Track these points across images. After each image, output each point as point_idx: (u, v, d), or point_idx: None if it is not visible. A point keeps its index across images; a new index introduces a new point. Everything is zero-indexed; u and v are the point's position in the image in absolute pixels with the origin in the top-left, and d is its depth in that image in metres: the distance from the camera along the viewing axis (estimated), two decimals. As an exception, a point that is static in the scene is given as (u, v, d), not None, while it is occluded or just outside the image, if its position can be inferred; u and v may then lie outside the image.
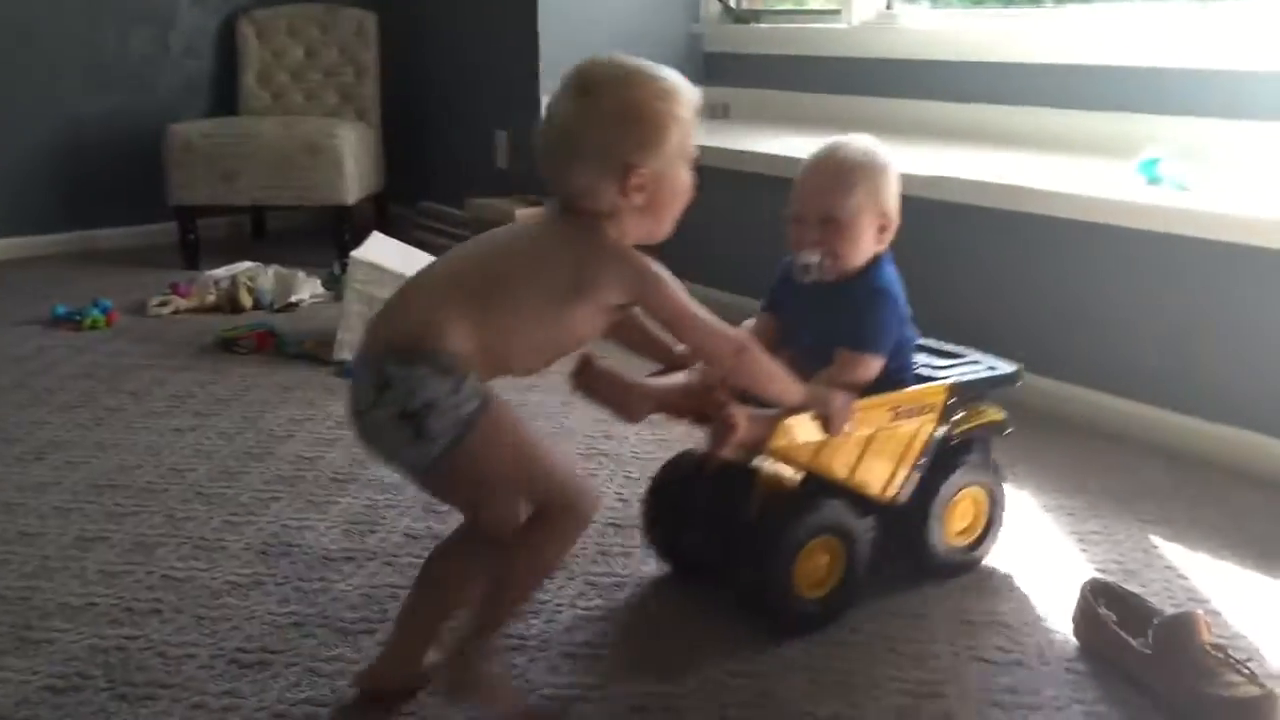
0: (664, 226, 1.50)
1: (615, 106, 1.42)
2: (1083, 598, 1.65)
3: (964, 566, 1.86)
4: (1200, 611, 1.55)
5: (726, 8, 4.11)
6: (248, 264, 3.69)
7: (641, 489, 2.16)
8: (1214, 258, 2.26)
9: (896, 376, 1.75)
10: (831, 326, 1.72)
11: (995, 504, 1.88)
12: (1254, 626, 1.69)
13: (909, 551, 1.82)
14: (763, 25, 4.02)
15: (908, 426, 1.73)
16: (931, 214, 2.56)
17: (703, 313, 1.47)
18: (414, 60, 4.65)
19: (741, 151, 3.31)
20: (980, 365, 1.86)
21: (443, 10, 4.45)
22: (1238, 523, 2.03)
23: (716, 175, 3.38)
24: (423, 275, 1.48)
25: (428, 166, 4.71)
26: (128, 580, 1.86)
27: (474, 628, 1.44)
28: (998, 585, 1.82)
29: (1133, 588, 1.72)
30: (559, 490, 1.43)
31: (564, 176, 1.43)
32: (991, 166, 2.75)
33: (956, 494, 1.82)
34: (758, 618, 1.70)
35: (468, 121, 4.40)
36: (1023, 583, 1.83)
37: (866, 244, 1.74)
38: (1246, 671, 1.49)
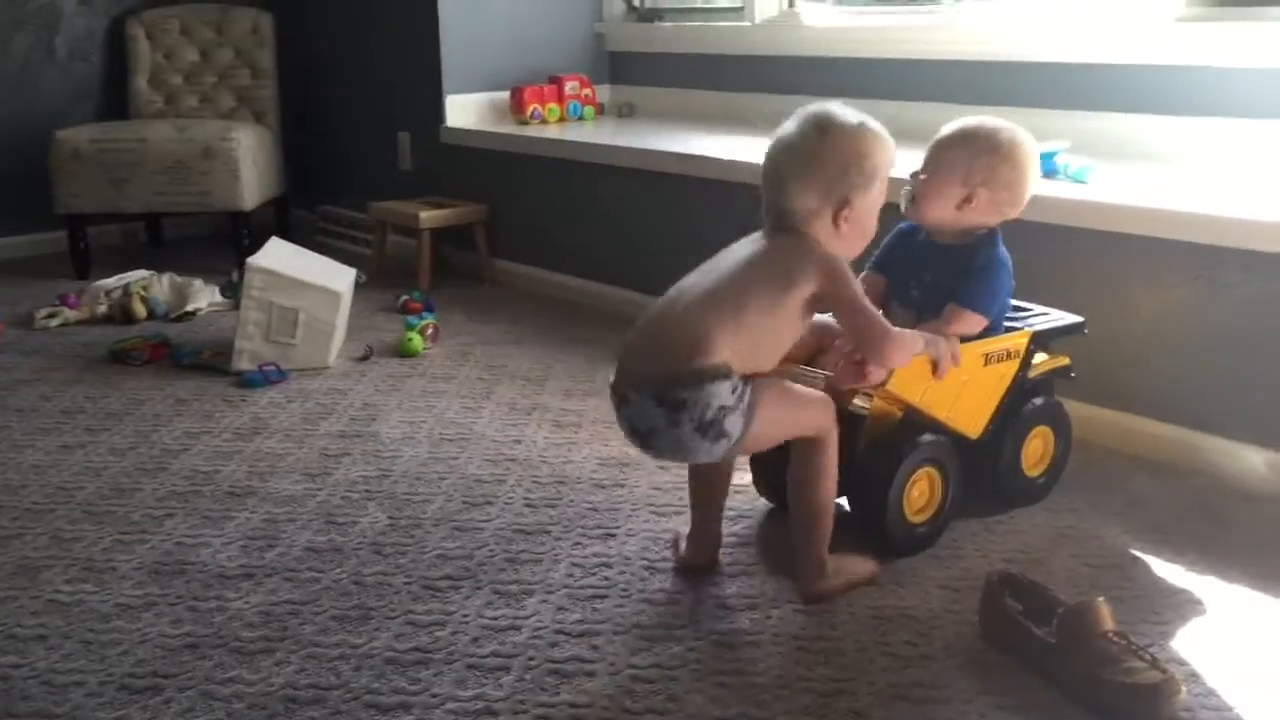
0: (854, 252, 1.78)
1: (848, 151, 1.71)
2: (988, 588, 1.66)
3: (1038, 495, 2.09)
4: (1102, 599, 1.57)
5: (630, 7, 4.09)
6: (141, 273, 3.58)
7: (549, 494, 2.14)
8: (1110, 249, 2.30)
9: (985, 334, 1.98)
10: (941, 283, 1.96)
11: (1062, 439, 2.10)
12: (1155, 611, 1.72)
13: (992, 481, 2.04)
14: (667, 24, 4.00)
15: (995, 370, 1.96)
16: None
17: (869, 303, 1.74)
18: (313, 61, 4.55)
19: (648, 150, 3.29)
20: (1049, 316, 2.09)
21: (341, 10, 4.36)
22: (1139, 508, 2.07)
23: (623, 174, 3.37)
24: (672, 302, 1.72)
25: (329, 170, 4.61)
26: (11, 606, 1.77)
27: (805, 545, 1.77)
28: (904, 579, 1.82)
29: (1037, 577, 1.73)
30: (819, 420, 1.74)
31: (788, 198, 1.72)
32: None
33: (1031, 430, 2.05)
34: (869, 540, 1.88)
35: (370, 123, 4.32)
36: (928, 575, 1.84)
37: (944, 206, 1.96)
38: (1148, 657, 1.51)
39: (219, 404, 2.68)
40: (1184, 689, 1.47)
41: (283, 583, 1.84)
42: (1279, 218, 2.10)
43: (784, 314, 1.69)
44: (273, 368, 2.83)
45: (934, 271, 2.00)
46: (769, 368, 1.71)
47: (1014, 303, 2.10)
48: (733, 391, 1.61)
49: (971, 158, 1.95)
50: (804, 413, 1.73)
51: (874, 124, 1.76)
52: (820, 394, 1.78)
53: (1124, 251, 2.28)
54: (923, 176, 1.98)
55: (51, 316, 3.35)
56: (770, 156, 1.76)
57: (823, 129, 1.73)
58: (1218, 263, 2.15)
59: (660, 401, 1.61)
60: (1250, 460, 2.15)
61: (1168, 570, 1.85)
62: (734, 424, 1.63)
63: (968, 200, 1.95)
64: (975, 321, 1.94)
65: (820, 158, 1.71)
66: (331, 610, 1.75)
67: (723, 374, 1.60)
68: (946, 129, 2.01)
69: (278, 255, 3.00)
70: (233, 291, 3.48)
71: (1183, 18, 2.66)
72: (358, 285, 3.31)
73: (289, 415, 2.60)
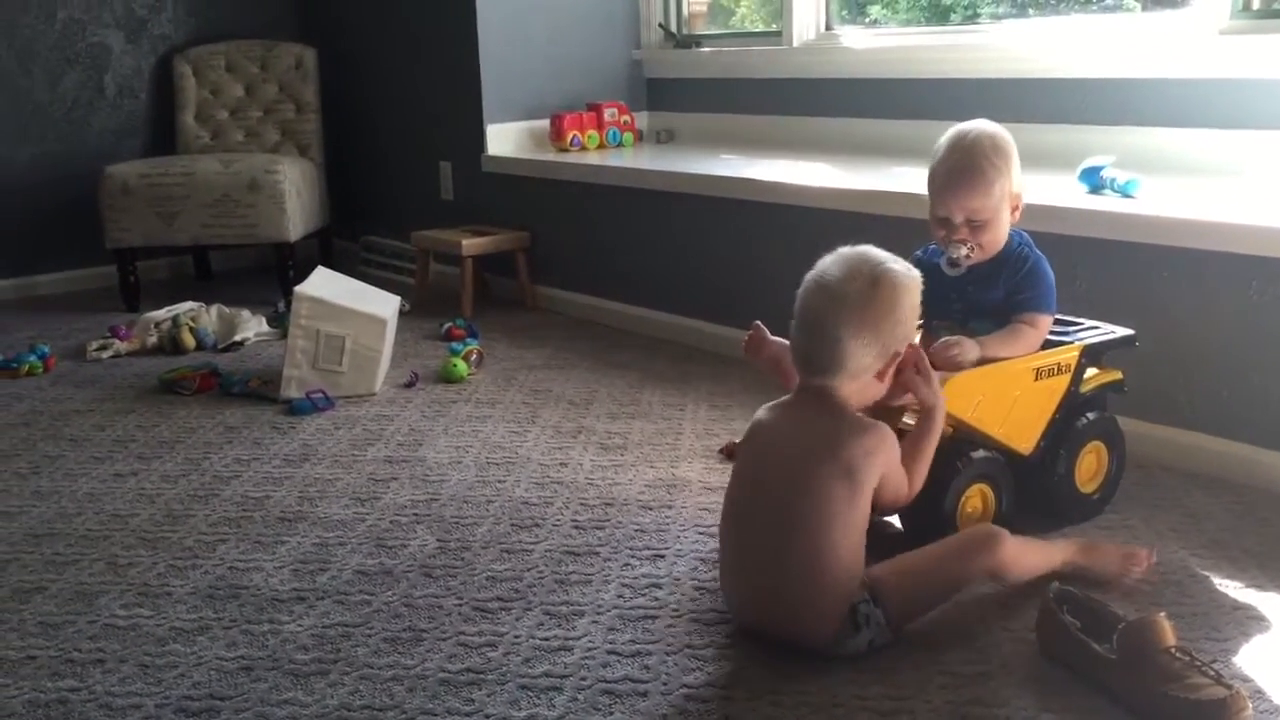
0: (886, 390, 1.75)
1: (903, 305, 1.69)
2: (1045, 605, 1.64)
3: (1093, 511, 2.06)
4: (1163, 615, 1.54)
5: (667, 33, 4.12)
6: (189, 304, 3.62)
7: (596, 516, 2.14)
8: (1159, 262, 2.27)
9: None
10: (983, 299, 2.00)
11: (1116, 455, 2.07)
12: (1216, 628, 1.69)
13: (1044, 498, 2.02)
14: (704, 49, 4.03)
15: (1046, 385, 1.96)
16: (880, 229, 2.56)
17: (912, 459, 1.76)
18: (355, 94, 4.61)
19: (688, 174, 3.30)
20: (1100, 329, 2.08)
21: (383, 43, 4.42)
22: (1196, 524, 2.03)
23: (662, 199, 3.38)
24: (763, 562, 1.68)
25: (372, 201, 4.67)
26: (68, 631, 1.79)
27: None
28: (959, 597, 1.80)
29: (1094, 594, 1.70)
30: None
31: (843, 355, 1.66)
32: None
33: (1085, 445, 2.03)
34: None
35: (411, 154, 4.37)
36: (983, 592, 1.82)
37: (1005, 229, 2.00)
38: (1212, 673, 1.48)
39: (268, 431, 2.70)
40: (1249, 705, 1.44)
41: (335, 605, 1.85)
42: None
43: (862, 509, 1.65)
44: (320, 394, 2.85)
45: (977, 286, 2.02)
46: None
47: (1063, 317, 2.09)
48: (868, 622, 1.62)
49: (1004, 174, 1.96)
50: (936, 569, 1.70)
51: (913, 270, 1.73)
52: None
53: (1173, 264, 2.26)
54: (978, 221, 1.96)
55: (103, 348, 3.41)
56: (814, 307, 1.69)
57: (876, 281, 1.67)
58: (1269, 274, 2.12)
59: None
60: (1309, 474, 2.11)
61: (1227, 586, 1.82)
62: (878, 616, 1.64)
63: (1015, 209, 2.00)
64: (1046, 323, 1.98)
65: (876, 313, 1.66)
66: (384, 632, 1.76)
67: (859, 624, 1.61)
68: (952, 175, 1.97)
69: (324, 283, 3.03)
70: (279, 321, 3.52)
71: (1226, 30, 2.64)
72: (402, 313, 3.33)
73: (337, 441, 2.62)
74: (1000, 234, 2.00)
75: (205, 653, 1.71)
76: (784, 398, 1.77)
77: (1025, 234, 2.05)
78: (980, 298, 2.01)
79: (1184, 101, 2.72)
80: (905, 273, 1.71)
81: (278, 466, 2.47)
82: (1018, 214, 2.02)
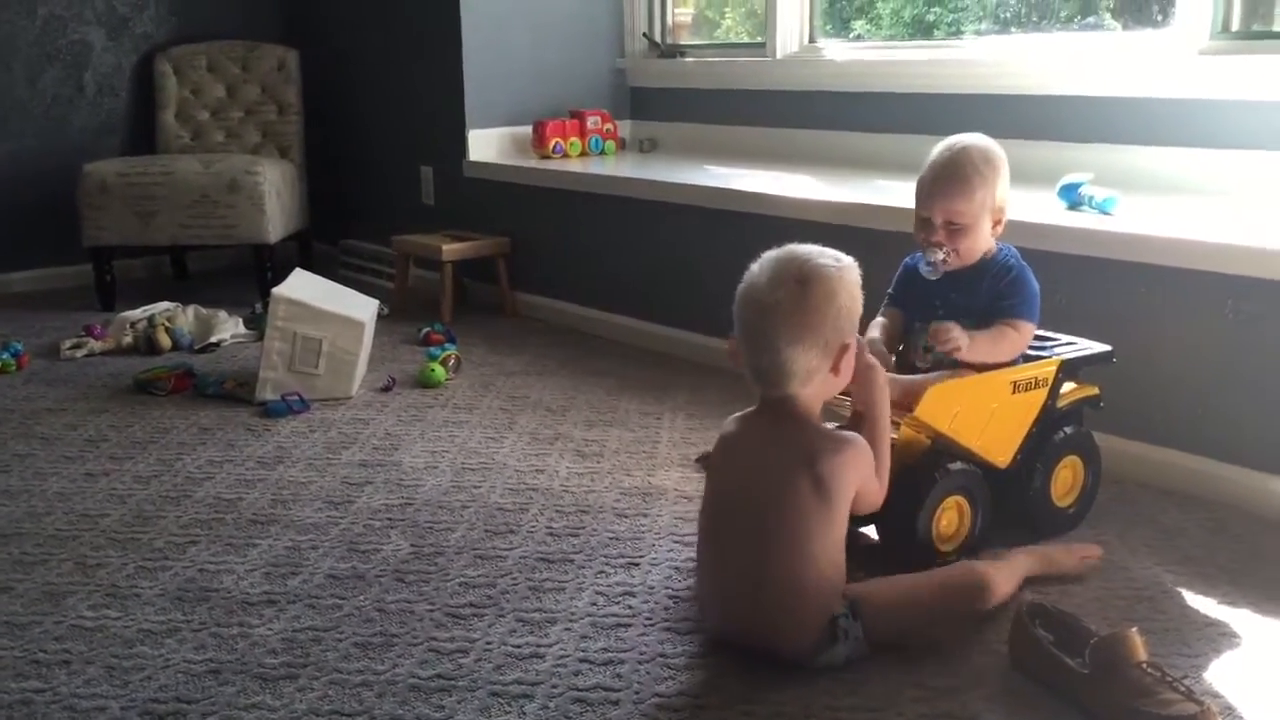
0: (848, 381, 1.72)
1: (838, 299, 1.64)
2: (1018, 619, 1.64)
3: (1068, 525, 2.07)
4: (1136, 630, 1.54)
5: (651, 43, 4.13)
6: (165, 305, 3.60)
7: (571, 523, 2.14)
8: (1136, 280, 2.29)
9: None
10: (965, 304, 2.00)
11: (1092, 469, 2.08)
12: (1187, 643, 1.69)
13: (1020, 510, 2.02)
14: (688, 59, 4.03)
15: (1024, 399, 1.96)
16: (861, 242, 2.56)
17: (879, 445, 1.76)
18: (338, 97, 4.60)
19: (668, 183, 3.31)
20: (1077, 344, 2.09)
21: (367, 46, 4.41)
22: (1170, 540, 2.04)
23: (643, 207, 3.38)
24: (741, 579, 1.67)
25: (352, 204, 4.65)
26: (35, 631, 1.77)
27: None
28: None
29: (1067, 608, 1.70)
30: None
31: (786, 362, 1.63)
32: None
33: (1061, 459, 2.04)
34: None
35: (393, 158, 4.36)
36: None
37: (985, 239, 2.01)
38: (1183, 689, 1.48)
39: (242, 433, 2.68)
40: (1220, 721, 1.45)
41: (305, 610, 1.83)
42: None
43: (839, 523, 1.65)
44: (296, 397, 2.83)
45: (960, 293, 2.03)
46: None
47: (1042, 332, 2.10)
48: (846, 636, 1.62)
49: (989, 183, 1.98)
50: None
51: (844, 258, 1.68)
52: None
53: (1150, 282, 2.27)
54: (956, 225, 1.97)
55: (77, 347, 3.38)
56: (749, 321, 1.65)
57: (803, 281, 1.61)
58: (1245, 293, 2.14)
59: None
60: (1278, 490, 2.12)
61: (1200, 602, 1.82)
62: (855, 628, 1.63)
63: (997, 222, 2.01)
64: (1028, 330, 1.99)
65: (811, 315, 1.61)
66: (354, 637, 1.74)
67: (837, 636, 1.61)
68: (937, 177, 1.99)
69: (302, 285, 3.01)
70: (256, 323, 3.50)
71: (1206, 50, 2.66)
72: (380, 317, 3.32)
73: (311, 444, 2.60)
74: (978, 243, 2.01)
75: (173, 655, 1.69)
76: (749, 410, 1.74)
77: (1014, 248, 2.07)
78: (962, 303, 2.02)
79: (1163, 121, 2.74)
80: (834, 264, 1.65)
81: (251, 469, 2.45)
82: (1000, 228, 2.03)
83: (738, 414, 1.76)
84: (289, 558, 2.02)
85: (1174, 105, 2.72)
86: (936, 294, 2.05)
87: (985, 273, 2.01)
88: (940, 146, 2.05)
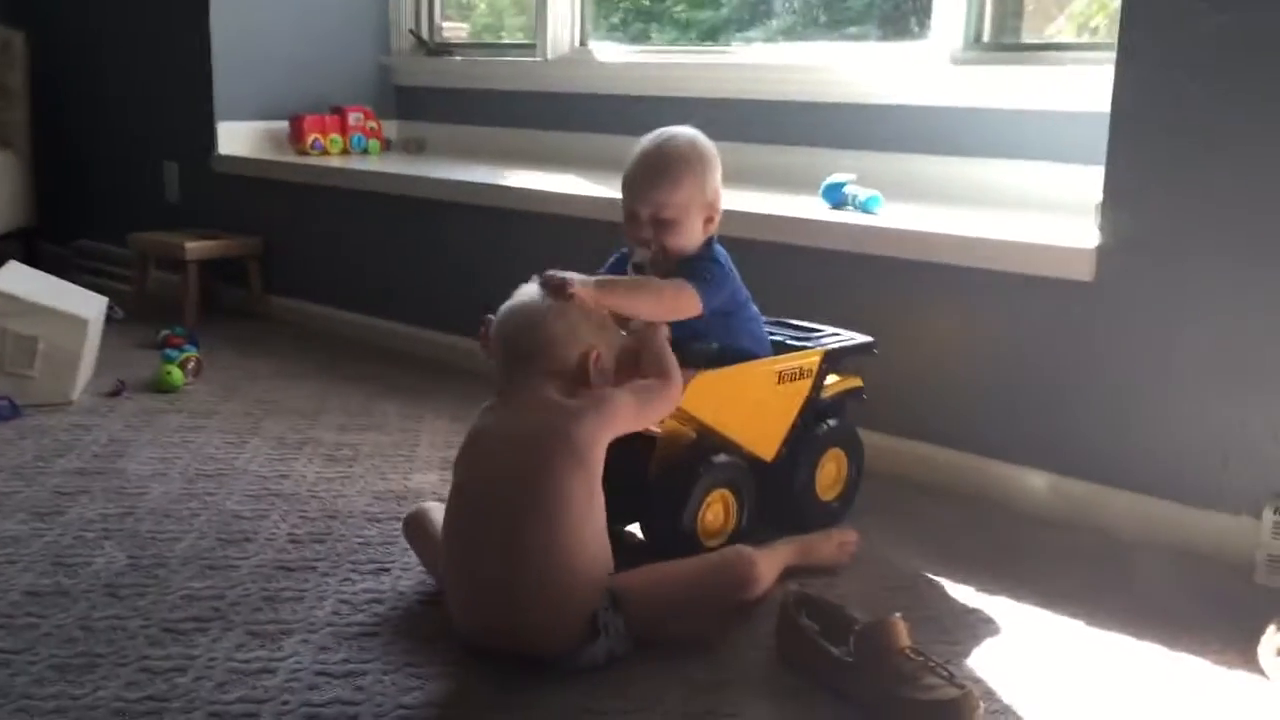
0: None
1: (580, 325, 1.65)
2: (783, 609, 1.59)
3: (832, 519, 2.02)
4: (898, 617, 1.51)
5: (419, 40, 3.97)
6: None
7: (316, 529, 1.96)
8: (896, 275, 2.31)
9: (752, 349, 1.93)
10: None
11: (855, 463, 2.07)
12: (948, 630, 1.68)
13: (785, 504, 1.97)
14: (457, 59, 3.90)
15: (789, 389, 1.93)
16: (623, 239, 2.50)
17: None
18: (70, 84, 4.22)
19: (431, 180, 3.17)
20: (840, 336, 2.06)
21: (104, 31, 4.06)
22: (930, 532, 2.05)
23: (405, 205, 3.22)
24: (497, 585, 1.56)
25: (87, 201, 4.27)
26: None
27: None
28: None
29: (832, 599, 1.66)
30: None
31: (537, 374, 1.63)
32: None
33: (825, 452, 2.00)
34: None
35: (132, 151, 4.03)
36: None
37: (695, 234, 1.89)
38: (945, 674, 1.45)
39: (-63, 441, 2.36)
40: (981, 705, 1.43)
41: (-5, 632, 1.59)
42: (1039, 240, 2.15)
43: (599, 505, 1.57)
44: (6, 402, 2.53)
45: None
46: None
47: (805, 324, 2.07)
48: (608, 631, 1.52)
49: (698, 176, 1.88)
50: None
51: (565, 278, 1.65)
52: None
53: (909, 278, 2.29)
54: (663, 219, 1.86)
55: None
56: (506, 338, 1.65)
57: (534, 327, 1.63)
58: (1000, 287, 2.18)
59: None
60: (1033, 483, 2.16)
61: (959, 591, 1.82)
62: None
63: (709, 219, 1.91)
64: (693, 299, 1.81)
65: (554, 336, 1.62)
66: (50, 659, 1.52)
67: (598, 631, 1.51)
68: (642, 170, 1.90)
69: (16, 279, 2.71)
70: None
71: (959, 60, 2.74)
72: (114, 320, 3.04)
73: (19, 452, 2.31)
74: (687, 238, 1.89)
75: None
76: (493, 400, 1.67)
77: (724, 250, 1.95)
78: None
79: (920, 128, 2.80)
80: (555, 306, 1.63)
81: (-55, 478, 2.15)
82: (713, 225, 1.93)
83: (486, 404, 1.67)
84: (-21, 574, 1.76)
85: (929, 113, 2.78)
86: None
87: (685, 265, 1.88)
88: (648, 139, 1.94)
